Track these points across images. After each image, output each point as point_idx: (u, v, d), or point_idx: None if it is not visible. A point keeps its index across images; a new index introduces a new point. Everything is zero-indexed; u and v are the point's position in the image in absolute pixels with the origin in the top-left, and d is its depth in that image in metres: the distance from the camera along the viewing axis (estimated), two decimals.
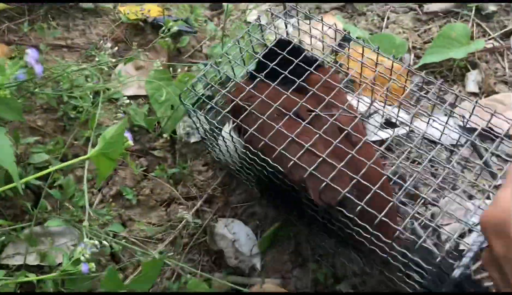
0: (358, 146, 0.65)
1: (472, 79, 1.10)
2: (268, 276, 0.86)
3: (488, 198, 0.94)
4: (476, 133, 0.69)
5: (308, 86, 0.71)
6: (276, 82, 0.72)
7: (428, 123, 0.79)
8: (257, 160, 0.69)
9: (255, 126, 0.68)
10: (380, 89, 0.77)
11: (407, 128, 0.98)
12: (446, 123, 0.74)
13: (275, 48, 0.76)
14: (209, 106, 0.75)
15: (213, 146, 0.91)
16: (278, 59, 0.75)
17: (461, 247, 0.83)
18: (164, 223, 0.92)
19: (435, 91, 0.78)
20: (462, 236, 0.85)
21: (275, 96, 0.70)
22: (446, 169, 0.65)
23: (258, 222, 0.92)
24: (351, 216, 0.60)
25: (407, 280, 0.68)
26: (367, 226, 0.60)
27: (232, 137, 0.75)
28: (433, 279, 0.67)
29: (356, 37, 1.07)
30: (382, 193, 0.61)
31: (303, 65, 0.74)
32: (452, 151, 1.00)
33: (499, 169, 0.73)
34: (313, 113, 0.68)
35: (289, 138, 0.66)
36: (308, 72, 0.73)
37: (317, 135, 0.66)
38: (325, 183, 0.61)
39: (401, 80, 0.76)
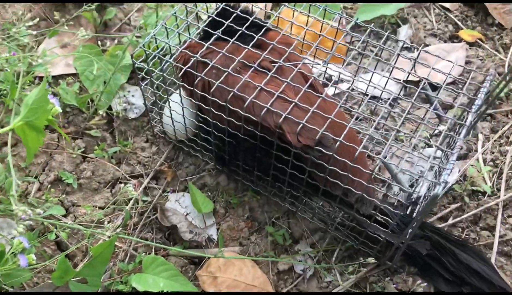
0: (324, 94, 0.67)
1: (404, 34, 1.13)
2: (226, 245, 0.84)
3: (429, 145, 0.97)
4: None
5: (268, 41, 0.72)
6: (233, 40, 0.72)
7: (369, 81, 0.81)
8: (223, 116, 0.68)
9: (220, 80, 0.67)
10: (322, 51, 0.78)
11: (348, 85, 0.98)
12: (389, 76, 0.75)
13: (221, 15, 0.77)
14: (165, 62, 0.74)
15: (161, 117, 0.88)
16: (232, 17, 0.75)
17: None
18: (111, 205, 0.87)
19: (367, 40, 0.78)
20: (411, 186, 0.88)
21: (235, 51, 0.71)
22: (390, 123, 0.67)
23: (210, 193, 0.90)
24: (330, 153, 0.61)
25: (372, 224, 0.70)
26: (347, 161, 0.61)
27: (183, 105, 0.75)
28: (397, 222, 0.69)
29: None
30: (351, 136, 0.65)
31: (253, 28, 0.75)
32: (392, 105, 1.03)
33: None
34: (278, 63, 0.69)
35: (258, 88, 0.66)
36: (265, 28, 0.75)
37: (285, 83, 0.67)
38: (301, 124, 0.62)
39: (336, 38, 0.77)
